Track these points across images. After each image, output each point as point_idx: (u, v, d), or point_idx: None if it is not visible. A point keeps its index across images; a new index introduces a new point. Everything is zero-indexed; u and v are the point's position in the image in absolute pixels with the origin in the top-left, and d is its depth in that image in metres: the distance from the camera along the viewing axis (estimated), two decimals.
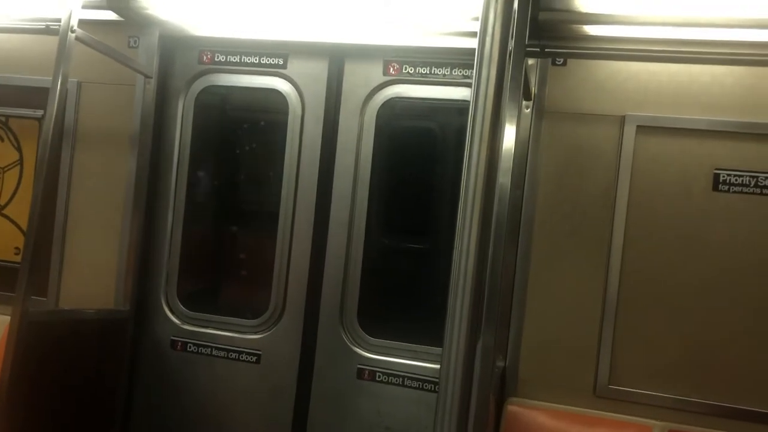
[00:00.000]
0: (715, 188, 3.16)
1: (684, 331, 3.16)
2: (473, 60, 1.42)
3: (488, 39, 1.34)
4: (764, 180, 3.11)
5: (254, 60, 3.82)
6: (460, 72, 3.52)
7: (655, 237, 3.21)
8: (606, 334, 3.23)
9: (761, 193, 3.11)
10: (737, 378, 3.10)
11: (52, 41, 3.19)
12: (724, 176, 3.15)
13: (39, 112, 3.92)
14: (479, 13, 1.43)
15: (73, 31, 3.15)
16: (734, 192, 3.14)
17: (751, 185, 3.12)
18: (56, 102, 3.09)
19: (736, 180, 3.14)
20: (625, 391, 3.21)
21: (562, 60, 3.33)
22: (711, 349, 3.13)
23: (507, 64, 1.36)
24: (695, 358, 3.15)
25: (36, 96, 3.84)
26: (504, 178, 2.72)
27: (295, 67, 3.77)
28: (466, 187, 1.34)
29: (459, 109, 3.61)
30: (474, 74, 1.36)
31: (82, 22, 3.23)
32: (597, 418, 3.21)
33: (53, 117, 3.09)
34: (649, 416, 3.16)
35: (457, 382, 1.26)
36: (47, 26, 3.59)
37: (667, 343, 3.18)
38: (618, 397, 3.21)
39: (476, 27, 1.40)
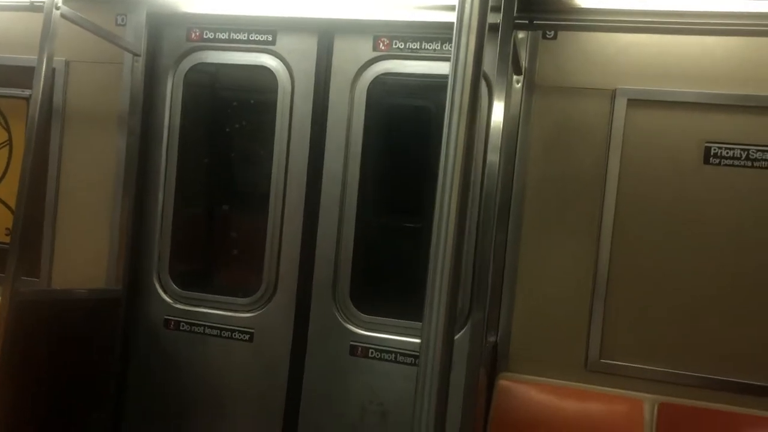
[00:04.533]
0: (706, 161, 3.15)
1: (674, 305, 3.18)
2: None
3: (467, 9, 1.32)
4: (755, 153, 3.10)
5: (243, 37, 3.79)
6: (450, 47, 3.48)
7: (646, 211, 3.21)
8: (597, 308, 3.25)
9: (752, 166, 3.11)
10: (727, 351, 3.12)
11: (39, 19, 3.16)
12: (715, 149, 3.14)
13: (27, 92, 3.88)
14: None
15: (57, 8, 3.11)
16: (725, 165, 3.13)
17: (742, 158, 3.12)
18: (42, 81, 3.06)
19: (727, 153, 3.13)
20: (615, 365, 3.23)
21: (552, 33, 3.30)
22: (701, 322, 3.15)
23: (492, 37, 1.33)
24: (685, 331, 3.16)
25: (23, 75, 3.80)
26: (494, 154, 2.71)
27: (284, 43, 3.74)
28: (445, 166, 1.33)
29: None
30: (453, 47, 1.34)
31: (69, 0, 3.19)
32: (588, 392, 3.24)
33: (39, 96, 3.07)
34: (640, 390, 3.19)
35: (437, 360, 1.26)
36: (32, 3, 3.54)
37: (657, 317, 3.19)
38: (609, 371, 3.24)
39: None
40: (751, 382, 3.09)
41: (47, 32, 3.08)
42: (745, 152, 3.11)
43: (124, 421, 3.94)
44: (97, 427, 3.75)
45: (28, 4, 3.57)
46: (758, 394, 3.07)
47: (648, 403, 3.15)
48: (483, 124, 3.38)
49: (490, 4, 1.39)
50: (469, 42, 1.30)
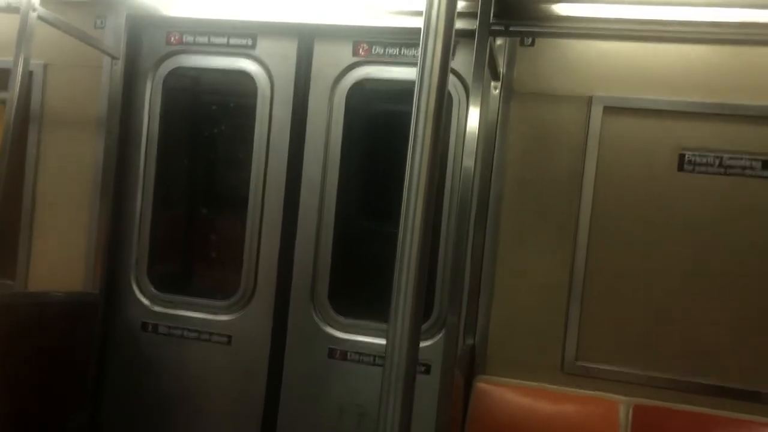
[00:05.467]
0: (681, 168, 3.19)
1: (649, 308, 3.21)
2: None
3: (434, 13, 1.34)
4: (728, 160, 3.15)
5: (223, 41, 3.79)
6: None
7: (622, 217, 3.25)
8: (573, 311, 3.28)
9: (725, 173, 3.15)
10: (701, 354, 3.16)
11: (15, 20, 3.14)
12: (689, 156, 3.18)
13: (3, 94, 3.86)
14: None
15: (34, 10, 3.10)
16: (699, 172, 3.17)
17: (716, 165, 3.16)
18: (18, 84, 3.05)
19: (701, 160, 3.17)
20: (591, 368, 3.26)
21: (530, 40, 3.33)
22: (676, 325, 3.19)
23: (452, 39, 1.35)
24: (660, 334, 3.20)
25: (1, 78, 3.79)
26: (469, 159, 2.73)
27: (264, 47, 3.74)
28: (411, 170, 1.34)
29: None
30: (420, 52, 1.36)
31: (47, 1, 3.18)
32: (564, 394, 3.26)
33: (15, 99, 3.05)
34: (616, 392, 3.22)
35: (402, 363, 1.28)
36: (8, 4, 3.52)
37: (632, 320, 3.23)
38: (585, 373, 3.26)
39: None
40: (726, 385, 3.12)
41: (24, 34, 3.07)
42: (719, 159, 3.15)
43: (101, 424, 3.91)
44: (75, 430, 3.72)
45: (4, 5, 3.54)
46: (733, 397, 3.11)
47: (623, 404, 3.18)
48: (461, 129, 3.40)
49: (459, 10, 1.41)
50: (435, 47, 1.31)
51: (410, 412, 1.29)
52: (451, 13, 1.33)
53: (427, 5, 1.34)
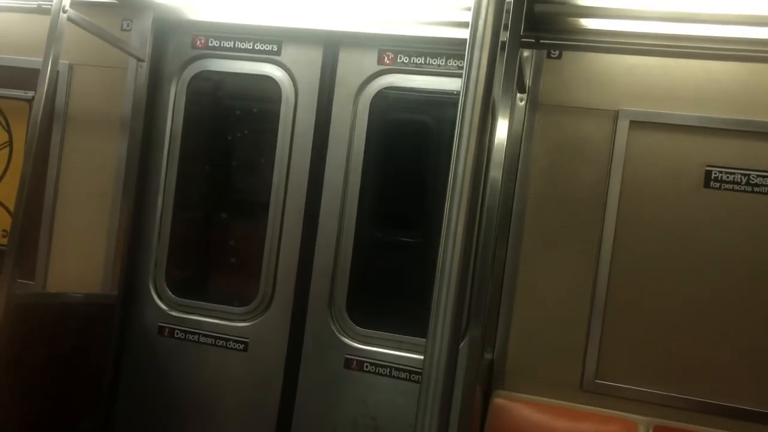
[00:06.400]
0: (707, 185, 3.16)
1: (671, 328, 3.17)
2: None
3: (480, 27, 1.32)
4: (755, 178, 3.11)
5: (248, 46, 3.80)
6: (455, 62, 3.50)
7: (646, 233, 3.22)
8: (594, 329, 3.24)
9: (752, 191, 3.12)
10: (722, 375, 3.12)
11: (44, 21, 3.16)
12: (715, 173, 3.15)
13: (30, 94, 3.87)
14: (472, 3, 1.42)
15: (65, 12, 3.12)
16: (725, 189, 3.14)
17: (743, 183, 3.13)
18: (46, 84, 3.06)
19: (727, 177, 3.14)
20: (611, 386, 3.22)
21: (557, 53, 3.32)
22: (697, 346, 3.15)
23: (499, 54, 1.33)
24: (682, 355, 3.16)
25: (26, 77, 3.80)
26: (496, 171, 2.72)
27: (289, 54, 3.75)
28: (454, 178, 1.33)
29: (454, 100, 3.58)
30: (465, 63, 1.34)
31: (75, 3, 3.20)
32: (583, 412, 3.22)
33: (43, 99, 3.07)
34: (635, 411, 3.17)
35: (440, 375, 1.25)
36: (39, 6, 3.55)
37: (654, 340, 3.19)
38: (604, 391, 3.23)
39: (470, 18, 1.38)
40: (747, 407, 3.08)
41: (53, 35, 3.09)
42: (746, 177, 3.12)
43: (115, 427, 3.90)
44: None
45: (36, 6, 3.57)
46: (753, 420, 3.07)
47: (642, 425, 3.14)
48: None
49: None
50: (481, 59, 1.30)
51: (447, 425, 1.26)
52: (497, 26, 1.32)
53: (473, 17, 1.33)
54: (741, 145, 3.13)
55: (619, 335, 3.23)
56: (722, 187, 3.14)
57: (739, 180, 3.13)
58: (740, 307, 3.11)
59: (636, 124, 3.22)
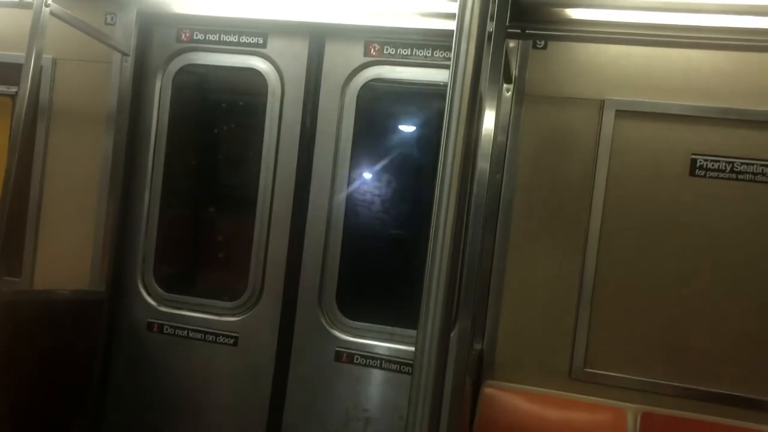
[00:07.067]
0: (692, 173, 3.19)
1: (658, 316, 3.20)
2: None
3: (467, 18, 1.32)
4: (740, 166, 3.14)
5: (234, 39, 3.77)
6: (442, 53, 3.50)
7: (632, 222, 3.24)
8: (582, 318, 3.26)
9: (737, 179, 3.15)
10: (710, 362, 3.16)
11: (27, 16, 3.12)
12: (701, 161, 3.18)
13: (13, 89, 3.82)
14: None
15: (47, 6, 3.08)
16: (710, 177, 3.17)
17: (727, 170, 3.16)
18: (30, 79, 3.03)
19: (712, 165, 3.17)
20: (599, 375, 3.25)
21: (542, 43, 3.33)
22: (685, 333, 3.18)
23: (486, 45, 1.33)
24: (669, 342, 3.19)
25: (9, 72, 3.76)
26: (483, 162, 2.72)
27: (275, 46, 3.73)
28: (443, 169, 1.33)
29: (441, 91, 3.58)
30: (453, 54, 1.34)
31: None
32: (572, 400, 3.25)
33: (27, 94, 3.04)
34: (623, 399, 3.21)
35: (432, 366, 1.26)
36: (21, 0, 3.51)
37: (641, 328, 3.22)
38: (593, 380, 3.25)
39: (456, 8, 1.38)
40: (735, 393, 3.12)
41: (36, 29, 3.06)
42: (730, 165, 3.15)
43: (105, 424, 3.88)
44: (78, 430, 3.70)
45: (18, 0, 3.53)
46: (741, 406, 3.11)
47: (631, 412, 3.17)
48: None
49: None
50: (468, 49, 1.30)
51: (439, 415, 1.27)
52: (484, 16, 1.31)
53: (459, 8, 1.33)
54: (725, 133, 3.16)
55: (607, 324, 3.25)
56: (707, 175, 3.17)
57: (723, 168, 3.16)
58: (727, 294, 3.15)
59: (622, 114, 3.24)
